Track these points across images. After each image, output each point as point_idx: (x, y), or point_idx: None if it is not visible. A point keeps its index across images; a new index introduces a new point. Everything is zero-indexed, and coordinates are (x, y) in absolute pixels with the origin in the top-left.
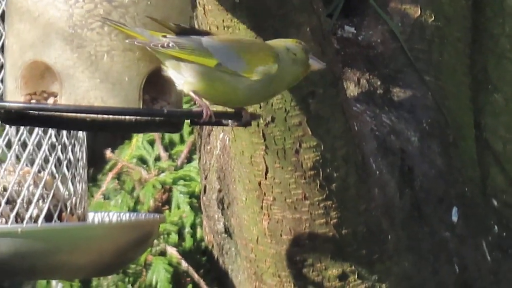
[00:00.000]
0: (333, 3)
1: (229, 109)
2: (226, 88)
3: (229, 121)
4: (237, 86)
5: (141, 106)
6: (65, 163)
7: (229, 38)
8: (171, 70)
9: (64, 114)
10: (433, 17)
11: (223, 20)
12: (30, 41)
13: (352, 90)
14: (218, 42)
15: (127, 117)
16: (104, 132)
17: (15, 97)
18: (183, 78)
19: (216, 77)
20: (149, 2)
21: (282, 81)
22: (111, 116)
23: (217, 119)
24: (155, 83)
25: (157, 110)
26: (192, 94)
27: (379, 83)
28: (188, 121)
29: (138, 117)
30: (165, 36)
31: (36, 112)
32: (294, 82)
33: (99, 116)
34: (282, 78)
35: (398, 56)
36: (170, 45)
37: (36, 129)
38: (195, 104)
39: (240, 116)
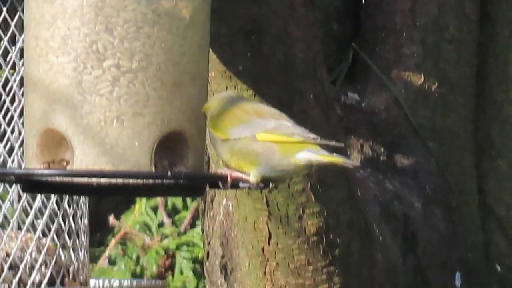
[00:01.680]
0: (337, 70)
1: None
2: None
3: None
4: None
5: (153, 171)
6: (67, 229)
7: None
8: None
9: (75, 180)
10: (437, 84)
11: (226, 88)
12: (43, 109)
13: (355, 156)
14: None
15: (142, 181)
16: (119, 196)
17: (33, 165)
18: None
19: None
20: (158, 67)
21: None
22: (122, 181)
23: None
24: (173, 149)
25: (177, 173)
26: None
27: (382, 149)
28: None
29: (153, 181)
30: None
31: (47, 178)
32: None
33: (111, 180)
34: None
35: (401, 123)
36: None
37: (39, 195)
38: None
39: None
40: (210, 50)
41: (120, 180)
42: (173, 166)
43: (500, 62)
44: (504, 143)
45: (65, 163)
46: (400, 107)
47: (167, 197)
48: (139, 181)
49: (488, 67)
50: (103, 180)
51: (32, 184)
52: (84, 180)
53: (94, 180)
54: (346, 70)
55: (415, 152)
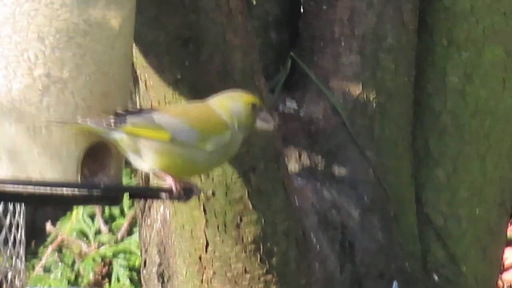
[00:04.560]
0: (275, 79)
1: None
2: (185, 161)
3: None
4: (195, 158)
5: (79, 180)
6: (2, 237)
7: (178, 111)
8: (130, 154)
9: (1, 187)
10: (375, 93)
11: (164, 96)
12: None
13: (293, 165)
14: (169, 116)
15: (66, 190)
16: (44, 205)
17: None
18: (142, 159)
19: (174, 151)
20: (88, 78)
21: (235, 146)
22: (49, 189)
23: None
24: (94, 157)
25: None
26: (157, 172)
27: (320, 158)
28: (127, 194)
29: (77, 191)
30: (117, 115)
31: None
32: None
33: (37, 189)
34: (234, 143)
35: (339, 132)
36: (124, 122)
37: None
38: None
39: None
40: (149, 58)
41: (47, 189)
42: (93, 175)
43: (438, 72)
44: (442, 152)
45: None
46: (338, 116)
47: (88, 205)
48: (67, 190)
49: (427, 76)
50: (30, 188)
51: None
52: (10, 187)
53: (21, 188)
54: (284, 78)
55: (353, 161)
